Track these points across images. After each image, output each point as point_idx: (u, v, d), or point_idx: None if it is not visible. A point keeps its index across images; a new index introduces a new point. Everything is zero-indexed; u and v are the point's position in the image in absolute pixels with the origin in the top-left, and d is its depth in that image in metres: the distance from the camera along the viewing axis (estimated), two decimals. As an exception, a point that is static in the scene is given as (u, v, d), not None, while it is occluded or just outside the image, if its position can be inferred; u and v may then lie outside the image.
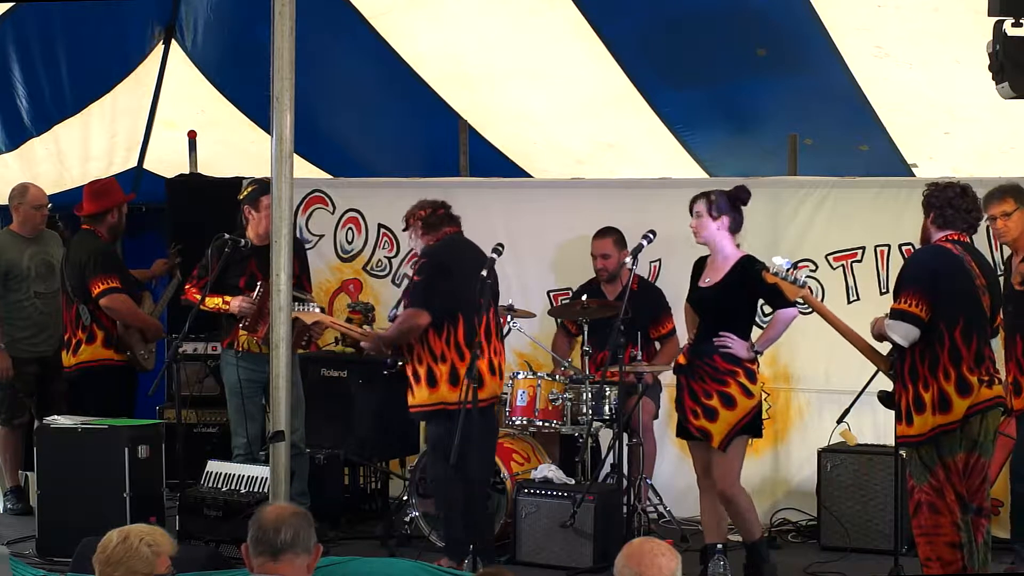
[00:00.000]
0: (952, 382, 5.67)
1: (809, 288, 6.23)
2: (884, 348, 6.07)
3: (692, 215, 6.44)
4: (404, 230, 6.88)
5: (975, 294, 5.77)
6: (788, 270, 6.09)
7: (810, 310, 7.85)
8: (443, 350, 6.50)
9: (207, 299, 7.11)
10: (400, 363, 6.74)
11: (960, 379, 5.67)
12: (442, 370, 6.49)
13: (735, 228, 6.42)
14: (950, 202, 5.82)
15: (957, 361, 5.68)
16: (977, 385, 5.68)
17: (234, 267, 7.19)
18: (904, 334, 5.71)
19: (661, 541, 3.76)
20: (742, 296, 6.38)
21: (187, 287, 7.38)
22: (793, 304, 6.36)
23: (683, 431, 6.52)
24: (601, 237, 7.85)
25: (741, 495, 6.40)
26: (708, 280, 6.44)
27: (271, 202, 7.02)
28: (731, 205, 6.40)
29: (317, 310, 6.98)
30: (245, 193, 7.34)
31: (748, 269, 6.34)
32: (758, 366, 6.44)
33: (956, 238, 5.84)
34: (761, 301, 6.64)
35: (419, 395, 6.57)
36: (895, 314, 5.75)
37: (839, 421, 7.05)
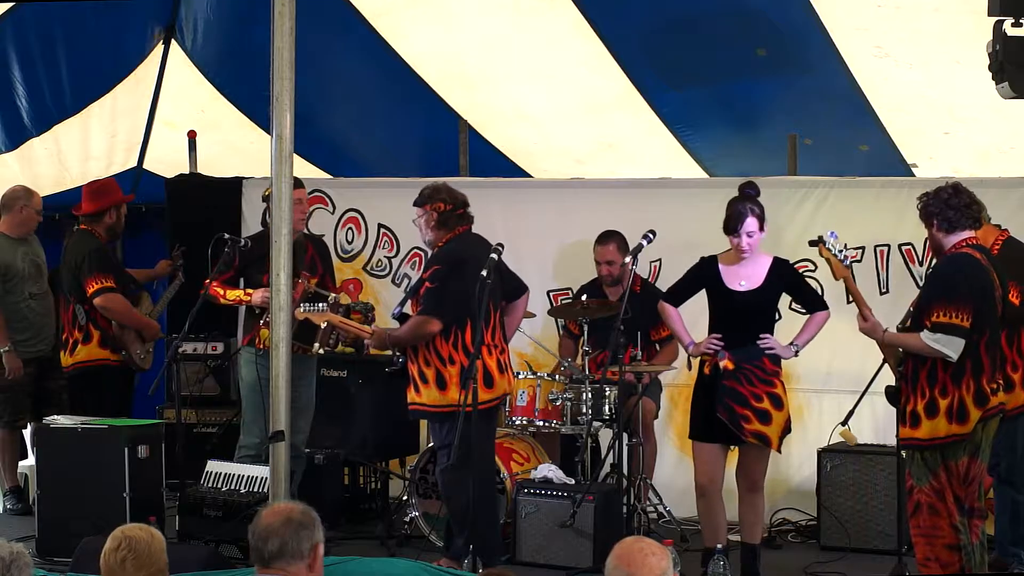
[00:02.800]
0: (971, 393, 5.65)
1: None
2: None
3: (743, 235, 6.35)
4: (417, 204, 6.71)
5: (996, 306, 5.76)
6: (841, 249, 6.13)
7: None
8: (451, 353, 6.48)
9: (228, 292, 7.12)
10: (401, 359, 6.73)
11: (979, 390, 5.66)
12: (451, 372, 6.46)
13: None
14: (947, 203, 5.78)
15: (979, 373, 5.67)
16: (990, 394, 5.70)
17: (258, 263, 7.13)
18: (956, 348, 5.61)
19: (652, 540, 3.74)
20: (778, 297, 6.51)
21: (207, 282, 7.25)
22: (827, 306, 6.55)
23: (720, 436, 6.39)
24: (604, 243, 7.80)
25: (762, 490, 6.53)
26: (744, 284, 6.42)
27: (300, 197, 7.10)
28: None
29: (325, 307, 6.98)
30: (270, 191, 7.34)
31: (788, 270, 6.50)
32: None
33: (975, 242, 5.80)
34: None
35: (427, 395, 6.53)
36: (944, 328, 5.60)
37: (843, 423, 7.05)
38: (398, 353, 6.73)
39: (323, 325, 6.76)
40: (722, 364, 6.34)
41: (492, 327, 6.57)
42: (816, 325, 6.53)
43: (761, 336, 6.36)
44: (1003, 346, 6.31)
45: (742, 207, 6.37)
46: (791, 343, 6.50)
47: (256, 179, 8.68)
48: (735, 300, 6.42)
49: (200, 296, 7.30)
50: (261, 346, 7.18)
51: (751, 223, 6.33)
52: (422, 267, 6.85)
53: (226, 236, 7.23)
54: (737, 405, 6.32)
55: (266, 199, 7.31)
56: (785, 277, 6.50)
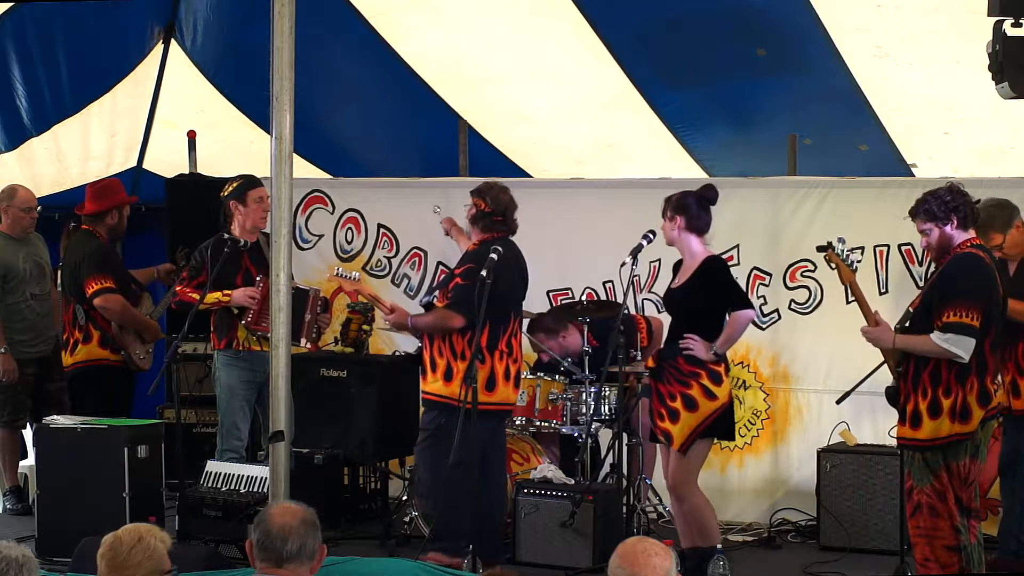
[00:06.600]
0: (975, 392, 5.64)
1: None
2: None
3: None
4: (471, 193, 6.77)
5: (999, 305, 5.77)
6: (848, 253, 6.12)
7: (810, 310, 7.94)
8: (464, 349, 6.51)
9: (206, 296, 7.12)
10: (417, 348, 6.84)
11: (982, 389, 5.65)
12: (460, 367, 6.49)
13: (696, 227, 6.41)
14: (965, 200, 5.78)
15: (983, 372, 5.66)
16: (992, 394, 5.70)
17: (228, 265, 7.20)
18: (967, 348, 5.59)
19: (655, 540, 3.74)
20: (707, 297, 6.37)
21: (179, 288, 7.38)
22: (751, 306, 6.46)
23: (653, 435, 6.54)
24: (531, 332, 7.73)
25: (695, 496, 6.40)
26: (677, 281, 6.48)
27: (261, 195, 7.20)
28: (697, 204, 6.41)
29: (358, 276, 7.11)
30: (230, 190, 7.39)
31: (711, 270, 6.37)
32: (726, 367, 6.41)
33: (978, 242, 5.81)
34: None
35: (432, 384, 6.60)
36: (959, 328, 5.58)
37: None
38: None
39: (312, 308, 7.04)
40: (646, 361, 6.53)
41: (508, 334, 6.59)
42: (732, 326, 6.34)
43: (684, 335, 6.33)
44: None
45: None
46: (712, 346, 6.31)
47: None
48: (668, 298, 6.55)
49: (173, 305, 7.38)
50: (240, 348, 7.22)
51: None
52: (456, 263, 6.88)
53: (226, 236, 7.25)
54: (656, 402, 6.39)
55: (223, 199, 7.36)
56: (706, 277, 6.35)
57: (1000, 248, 6.44)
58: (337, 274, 7.08)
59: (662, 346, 6.58)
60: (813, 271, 7.90)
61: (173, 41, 8.79)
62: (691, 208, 6.39)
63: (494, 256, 6.44)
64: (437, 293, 6.78)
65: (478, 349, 6.36)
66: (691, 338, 6.29)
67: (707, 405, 6.28)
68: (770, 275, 7.99)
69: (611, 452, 7.09)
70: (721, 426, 6.38)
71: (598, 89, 8.38)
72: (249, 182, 7.40)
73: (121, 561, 3.86)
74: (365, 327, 7.85)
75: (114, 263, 8.13)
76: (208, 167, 9.29)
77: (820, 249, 6.28)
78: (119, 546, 3.89)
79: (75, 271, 7.90)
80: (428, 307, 6.79)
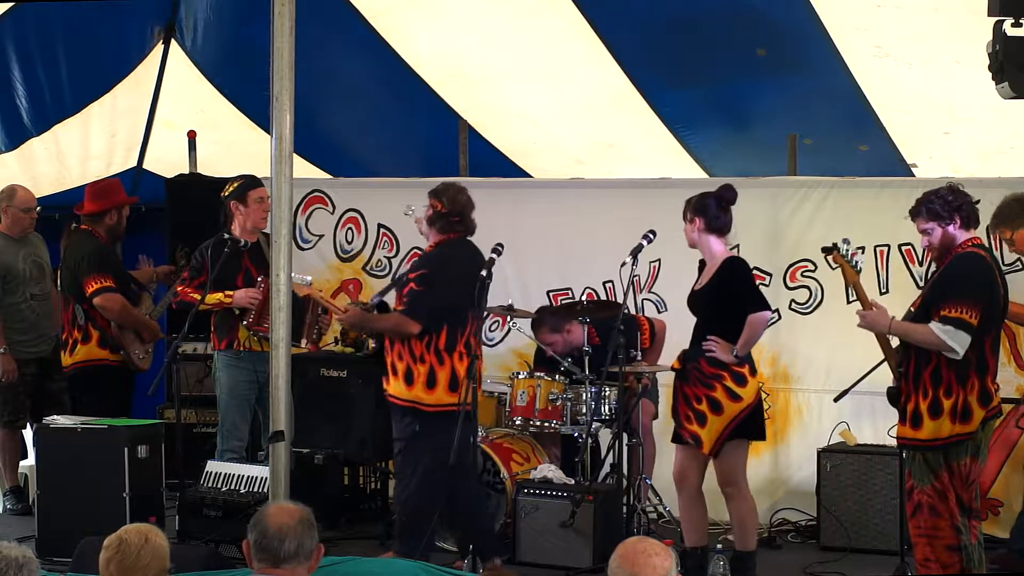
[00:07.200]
0: (975, 392, 5.64)
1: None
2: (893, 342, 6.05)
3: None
4: (429, 194, 6.74)
5: (999, 305, 5.77)
6: (852, 253, 6.13)
7: (810, 310, 7.94)
8: (423, 353, 6.49)
9: (207, 296, 7.13)
10: (376, 346, 6.79)
11: (983, 389, 5.66)
12: (420, 371, 6.49)
13: (716, 228, 6.41)
14: (967, 200, 5.79)
15: (983, 372, 5.67)
16: (993, 394, 5.70)
17: (229, 265, 7.21)
18: (963, 343, 5.59)
19: (655, 540, 3.74)
20: (726, 298, 6.36)
21: (180, 288, 7.39)
22: (768, 307, 6.43)
23: (677, 436, 6.54)
24: (536, 329, 7.75)
25: (740, 497, 6.42)
26: (699, 283, 6.48)
27: (262, 196, 7.21)
28: (716, 205, 6.41)
29: (310, 280, 7.10)
30: (230, 190, 7.39)
31: (729, 271, 6.37)
32: (751, 368, 6.40)
33: (979, 242, 5.82)
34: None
35: (394, 388, 6.58)
36: (956, 323, 5.59)
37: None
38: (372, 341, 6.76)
39: (313, 308, 7.08)
40: (671, 363, 6.54)
41: (467, 335, 6.54)
42: (750, 328, 6.29)
43: (707, 337, 6.34)
44: None
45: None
46: (733, 347, 6.29)
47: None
48: (691, 299, 6.54)
49: (174, 304, 7.39)
50: (242, 348, 7.23)
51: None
52: (410, 263, 6.86)
53: (226, 236, 7.26)
54: (683, 404, 6.40)
55: (224, 199, 7.36)
56: (725, 277, 6.36)
57: (1011, 242, 6.49)
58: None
59: (687, 347, 6.50)
60: (813, 271, 7.90)
61: (173, 41, 8.80)
62: (710, 209, 6.40)
63: (494, 256, 6.47)
64: (397, 301, 6.72)
65: (477, 348, 6.37)
66: (713, 340, 6.30)
67: (732, 407, 6.29)
68: (770, 275, 7.99)
69: (611, 452, 7.09)
70: (750, 426, 6.39)
71: (598, 89, 8.38)
72: (250, 182, 7.41)
73: (131, 564, 3.86)
74: (352, 305, 7.84)
75: (114, 263, 8.13)
76: (208, 167, 9.30)
77: (825, 251, 6.28)
78: (127, 548, 3.88)
79: (75, 271, 7.90)
80: (381, 307, 6.73)
